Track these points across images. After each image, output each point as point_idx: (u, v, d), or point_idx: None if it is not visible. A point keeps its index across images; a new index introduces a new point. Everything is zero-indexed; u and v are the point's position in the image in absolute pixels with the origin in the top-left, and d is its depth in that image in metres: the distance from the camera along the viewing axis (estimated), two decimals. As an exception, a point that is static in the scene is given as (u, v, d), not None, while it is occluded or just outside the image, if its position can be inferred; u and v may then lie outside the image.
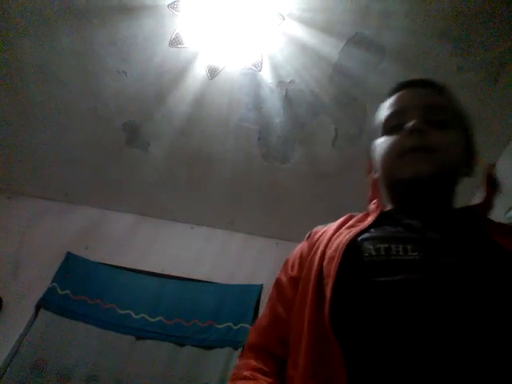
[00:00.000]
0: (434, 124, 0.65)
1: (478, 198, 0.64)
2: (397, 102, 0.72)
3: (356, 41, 1.63)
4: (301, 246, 0.73)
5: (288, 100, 1.88)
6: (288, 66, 1.74)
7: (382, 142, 0.70)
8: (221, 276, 2.35)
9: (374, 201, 0.72)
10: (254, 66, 1.71)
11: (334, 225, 0.69)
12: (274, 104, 1.90)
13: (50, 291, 2.12)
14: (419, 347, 0.43)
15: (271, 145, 2.09)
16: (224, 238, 2.57)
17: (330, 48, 1.66)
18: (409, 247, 0.52)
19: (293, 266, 0.69)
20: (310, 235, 0.73)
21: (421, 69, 1.69)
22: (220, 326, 2.11)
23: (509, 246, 0.51)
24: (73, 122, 2.08)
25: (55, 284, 2.15)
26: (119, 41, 1.71)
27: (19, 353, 1.90)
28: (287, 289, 0.66)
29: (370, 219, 0.64)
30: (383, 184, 0.71)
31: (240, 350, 2.00)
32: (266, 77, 1.79)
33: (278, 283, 0.71)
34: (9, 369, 1.84)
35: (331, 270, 0.54)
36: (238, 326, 2.10)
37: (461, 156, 0.67)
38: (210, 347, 2.04)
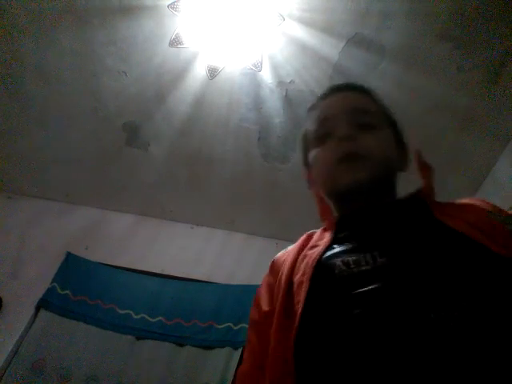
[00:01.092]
0: (362, 127, 0.65)
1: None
2: (323, 111, 0.72)
3: (356, 41, 1.63)
4: (266, 280, 0.72)
5: (288, 100, 1.88)
6: (288, 66, 1.74)
7: (315, 154, 0.70)
8: (221, 276, 2.35)
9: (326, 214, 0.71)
10: (254, 66, 1.71)
11: (294, 248, 0.68)
12: (274, 104, 1.91)
13: (50, 291, 2.12)
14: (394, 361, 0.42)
15: (271, 145, 2.09)
16: (224, 238, 2.57)
17: (330, 48, 1.66)
18: (376, 253, 0.52)
19: (264, 302, 0.67)
20: (272, 264, 0.72)
21: (421, 69, 1.69)
22: (220, 326, 2.11)
23: (456, 226, 0.52)
24: (73, 122, 2.08)
25: (55, 284, 2.15)
26: (119, 41, 1.71)
27: (19, 353, 1.90)
28: (263, 325, 0.63)
29: (328, 235, 0.63)
30: (325, 194, 0.71)
31: (240, 350, 2.00)
32: (266, 77, 1.79)
33: (252, 323, 0.69)
34: (9, 369, 1.84)
35: (301, 295, 0.53)
36: (238, 326, 2.10)
37: (393, 153, 0.67)
38: (210, 347, 2.04)
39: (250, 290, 2.23)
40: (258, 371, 0.62)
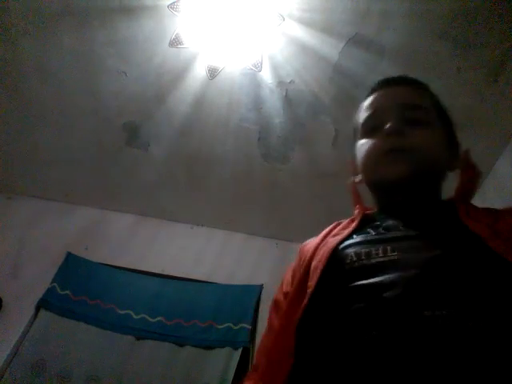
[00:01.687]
0: (411, 123, 0.65)
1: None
2: (374, 103, 0.72)
3: (356, 41, 1.63)
4: (292, 265, 0.74)
5: (288, 100, 1.88)
6: (288, 66, 1.74)
7: (361, 145, 0.70)
8: (221, 276, 2.35)
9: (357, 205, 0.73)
10: (254, 66, 1.71)
11: (320, 235, 0.69)
12: (273, 104, 1.90)
13: (50, 291, 2.12)
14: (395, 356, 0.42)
15: (271, 145, 2.09)
16: (224, 238, 2.57)
17: (330, 48, 1.66)
18: (389, 248, 0.53)
19: (287, 283, 0.69)
20: (299, 251, 0.74)
21: (421, 69, 1.69)
22: (220, 327, 2.11)
23: (477, 230, 0.51)
24: (73, 122, 2.08)
25: (55, 284, 2.15)
26: (119, 41, 1.71)
27: (19, 353, 1.90)
28: (282, 304, 0.66)
29: (353, 225, 0.65)
30: (367, 186, 0.71)
31: (240, 350, 2.01)
32: (266, 77, 1.79)
33: (274, 302, 0.71)
34: (9, 369, 1.84)
35: (313, 280, 0.55)
36: (238, 326, 2.10)
37: (442, 152, 0.66)
38: (209, 347, 2.04)
39: (250, 290, 2.26)
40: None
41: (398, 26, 1.56)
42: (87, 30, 1.68)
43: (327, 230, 0.70)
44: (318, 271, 0.55)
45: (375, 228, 0.61)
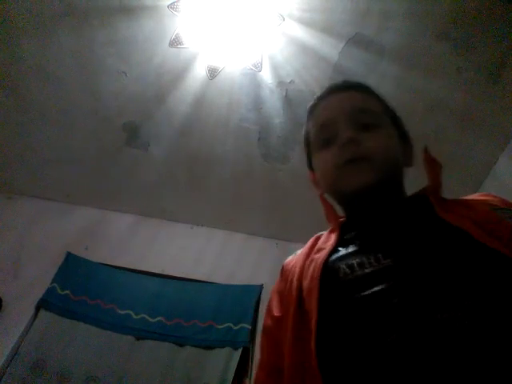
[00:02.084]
0: (363, 127, 0.64)
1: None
2: (322, 115, 0.71)
3: (356, 41, 1.63)
4: (276, 286, 0.72)
5: (288, 100, 1.88)
6: (288, 66, 1.74)
7: (318, 160, 0.69)
8: (221, 276, 2.35)
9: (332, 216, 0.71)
10: (254, 66, 1.71)
11: (302, 252, 0.68)
12: (273, 104, 1.91)
13: (50, 291, 2.12)
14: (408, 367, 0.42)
15: (271, 145, 2.09)
16: (224, 238, 2.57)
17: (330, 48, 1.66)
18: (380, 255, 0.52)
19: (276, 307, 0.67)
20: (282, 270, 0.72)
21: (421, 69, 1.69)
22: (220, 327, 2.11)
23: (459, 224, 0.51)
24: (73, 122, 2.08)
25: (55, 284, 2.15)
26: (119, 41, 1.71)
27: (19, 353, 1.89)
28: (274, 330, 0.64)
29: (333, 237, 0.63)
30: (331, 197, 0.70)
31: (240, 350, 2.00)
32: (266, 77, 1.79)
33: (265, 329, 0.69)
34: (9, 369, 1.84)
35: (312, 302, 0.53)
36: (238, 326, 2.10)
37: (398, 150, 0.66)
38: (209, 347, 2.04)
39: (250, 290, 2.25)
40: (271, 378, 0.62)
41: (398, 26, 1.56)
42: (87, 30, 1.68)
43: (307, 246, 0.68)
44: (315, 293, 0.54)
45: (357, 238, 0.60)
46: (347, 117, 0.66)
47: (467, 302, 0.43)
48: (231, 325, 2.11)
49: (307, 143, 0.76)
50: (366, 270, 0.51)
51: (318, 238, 0.69)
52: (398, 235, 0.56)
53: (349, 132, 0.63)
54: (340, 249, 0.59)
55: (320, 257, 0.59)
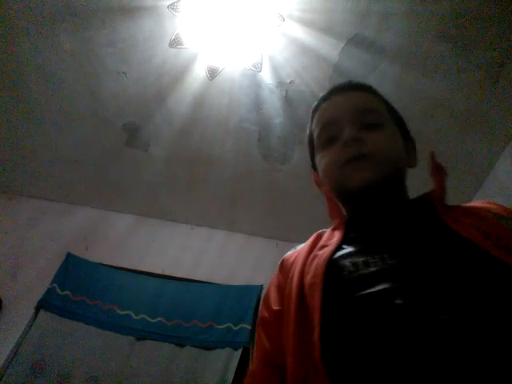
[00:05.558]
0: (366, 127, 0.65)
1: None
2: (325, 114, 0.71)
3: (356, 41, 1.63)
4: (275, 280, 0.71)
5: (288, 101, 1.88)
6: (288, 66, 1.74)
7: (321, 158, 0.69)
8: (221, 276, 2.35)
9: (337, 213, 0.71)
10: (254, 66, 1.71)
11: (304, 247, 0.68)
12: (273, 105, 1.91)
13: (50, 292, 2.12)
14: (410, 365, 0.42)
15: (271, 145, 2.09)
16: (224, 239, 2.57)
17: (330, 49, 1.66)
18: (385, 255, 0.52)
19: (274, 301, 0.67)
20: (282, 264, 0.72)
21: (421, 69, 1.69)
22: (220, 327, 2.11)
23: (461, 230, 0.52)
24: (73, 123, 2.08)
25: (55, 285, 2.15)
26: (119, 42, 1.71)
27: (19, 353, 1.89)
28: (272, 324, 0.64)
29: (337, 235, 0.63)
30: (334, 196, 0.70)
31: (240, 350, 2.00)
32: (266, 77, 1.79)
33: (262, 322, 0.69)
34: (9, 369, 1.84)
35: (315, 297, 0.53)
36: (238, 326, 2.10)
37: (401, 150, 0.67)
38: (209, 348, 2.04)
39: (249, 291, 2.25)
40: (268, 370, 0.62)
41: (397, 26, 1.56)
42: (87, 31, 1.68)
43: (309, 242, 0.68)
44: (319, 288, 0.53)
45: (362, 237, 0.60)
46: (351, 116, 0.66)
47: (474, 305, 0.43)
48: (231, 325, 2.11)
49: (311, 143, 0.76)
50: (371, 269, 0.51)
51: (319, 235, 0.69)
52: (405, 237, 0.56)
53: (352, 131, 0.64)
54: (344, 246, 0.59)
55: (324, 253, 0.59)
